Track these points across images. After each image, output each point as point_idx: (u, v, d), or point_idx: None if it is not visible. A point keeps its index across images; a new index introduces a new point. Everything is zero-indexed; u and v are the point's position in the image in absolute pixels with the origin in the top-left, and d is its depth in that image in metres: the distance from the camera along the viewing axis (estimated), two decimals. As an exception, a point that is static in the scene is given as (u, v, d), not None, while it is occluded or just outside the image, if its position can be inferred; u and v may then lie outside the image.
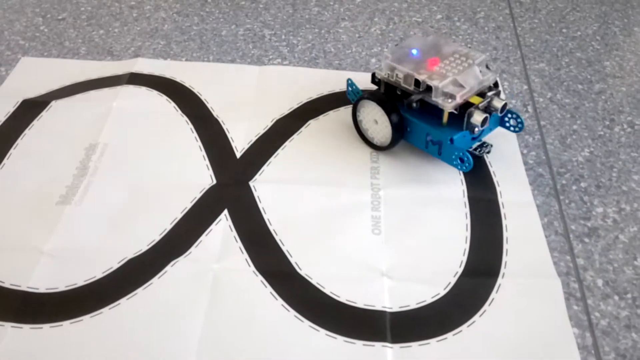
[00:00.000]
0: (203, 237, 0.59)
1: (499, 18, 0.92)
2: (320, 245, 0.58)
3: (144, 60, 0.81)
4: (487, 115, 0.60)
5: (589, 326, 0.52)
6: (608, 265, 0.57)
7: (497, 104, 0.61)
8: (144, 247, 0.58)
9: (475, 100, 0.60)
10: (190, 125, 0.71)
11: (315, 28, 0.88)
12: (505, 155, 0.68)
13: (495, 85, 0.63)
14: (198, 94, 0.76)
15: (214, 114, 0.73)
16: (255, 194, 0.63)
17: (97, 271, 0.55)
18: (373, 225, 0.60)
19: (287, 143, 0.69)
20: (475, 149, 0.66)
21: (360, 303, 0.54)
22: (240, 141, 0.69)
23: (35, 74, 0.79)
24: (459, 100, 0.59)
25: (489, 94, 0.61)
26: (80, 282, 0.54)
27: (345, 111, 0.74)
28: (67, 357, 0.49)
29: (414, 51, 0.62)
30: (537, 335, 0.52)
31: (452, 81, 0.59)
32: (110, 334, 0.51)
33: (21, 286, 0.54)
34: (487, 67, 0.62)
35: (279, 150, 0.68)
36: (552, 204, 0.63)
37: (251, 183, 0.64)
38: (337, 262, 0.57)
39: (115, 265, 0.56)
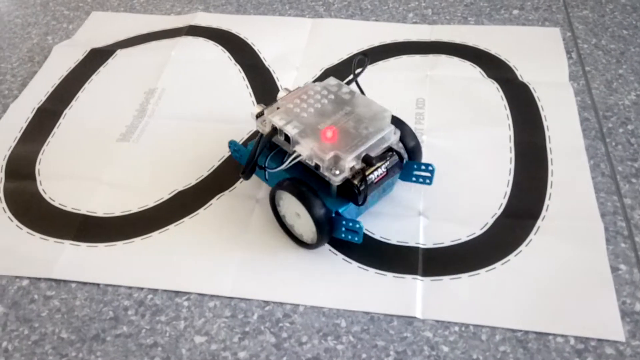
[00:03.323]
0: (248, 174, 0.61)
1: None
2: (359, 184, 0.59)
3: (203, 14, 0.84)
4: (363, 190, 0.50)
5: (637, 262, 0.51)
6: (658, 209, 0.55)
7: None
8: (193, 182, 0.61)
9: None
10: (242, 74, 0.74)
11: None
12: (558, 100, 0.66)
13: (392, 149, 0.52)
14: (252, 45, 0.78)
15: (266, 63, 0.75)
16: (300, 137, 0.65)
17: (149, 200, 0.59)
18: (413, 167, 0.61)
19: (334, 90, 0.70)
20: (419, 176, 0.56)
21: (394, 240, 0.54)
22: (290, 86, 0.71)
23: (103, 27, 0.84)
24: (344, 176, 0.49)
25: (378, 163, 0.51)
26: (135, 209, 0.59)
27: (395, 62, 0.74)
28: (118, 272, 0.53)
29: (329, 134, 0.50)
30: (573, 277, 0.50)
31: (336, 157, 0.49)
32: (158, 254, 0.54)
33: (81, 210, 0.59)
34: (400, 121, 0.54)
35: (326, 97, 0.69)
36: (599, 146, 0.61)
37: (296, 126, 0.66)
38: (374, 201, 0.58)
39: (166, 196, 0.60)
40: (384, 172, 0.51)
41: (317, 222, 0.49)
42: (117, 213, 0.58)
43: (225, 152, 0.64)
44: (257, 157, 0.51)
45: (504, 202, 0.57)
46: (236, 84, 0.73)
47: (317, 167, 0.49)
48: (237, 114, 0.68)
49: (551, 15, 0.79)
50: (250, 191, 0.59)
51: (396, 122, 0.54)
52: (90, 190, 0.60)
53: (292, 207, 0.52)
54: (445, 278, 0.51)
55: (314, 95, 0.54)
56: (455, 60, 0.73)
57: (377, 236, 0.55)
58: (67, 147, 0.66)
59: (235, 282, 0.52)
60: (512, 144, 0.62)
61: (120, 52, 0.78)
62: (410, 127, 0.56)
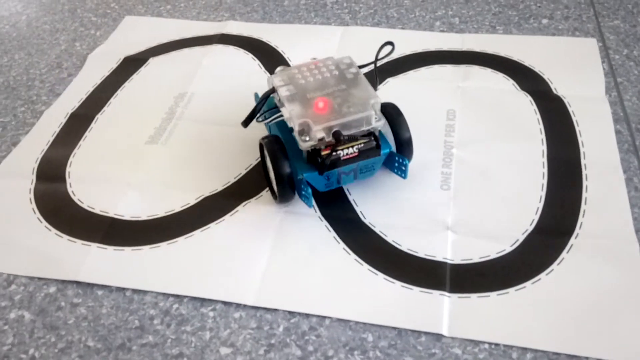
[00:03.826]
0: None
1: None
2: (386, 196, 0.59)
3: (234, 22, 0.85)
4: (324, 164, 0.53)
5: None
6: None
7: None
8: (219, 187, 0.61)
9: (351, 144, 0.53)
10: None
11: None
12: (594, 114, 0.65)
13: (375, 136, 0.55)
14: (282, 53, 0.78)
15: (295, 71, 0.75)
16: (328, 146, 0.65)
17: (175, 205, 0.60)
18: (442, 181, 0.60)
19: (363, 100, 0.70)
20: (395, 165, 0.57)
21: (421, 253, 0.54)
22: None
23: (136, 32, 0.85)
24: (312, 142, 0.52)
25: (361, 142, 0.54)
26: (161, 213, 0.59)
27: (427, 71, 0.73)
28: (144, 277, 0.53)
29: (320, 104, 0.54)
30: (607, 298, 0.49)
31: (305, 123, 0.52)
32: (184, 260, 0.54)
33: (109, 213, 0.59)
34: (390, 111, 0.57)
35: (355, 106, 0.69)
36: (631, 160, 0.59)
37: (325, 135, 0.66)
38: (402, 213, 0.57)
39: (193, 201, 0.60)
40: (355, 152, 0.54)
41: (278, 178, 0.55)
42: (144, 217, 0.59)
43: (253, 160, 0.64)
44: (258, 109, 0.58)
45: (536, 218, 0.55)
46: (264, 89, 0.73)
47: (291, 130, 0.54)
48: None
49: (581, 24, 0.78)
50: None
51: (394, 114, 0.57)
52: (118, 193, 0.61)
53: (269, 162, 0.57)
54: (473, 296, 0.50)
55: (322, 68, 0.58)
56: (488, 72, 0.72)
57: (404, 248, 0.54)
58: (97, 150, 0.66)
59: (261, 292, 0.51)
60: (545, 159, 0.61)
61: (152, 61, 0.79)
62: (406, 121, 0.57)
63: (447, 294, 0.50)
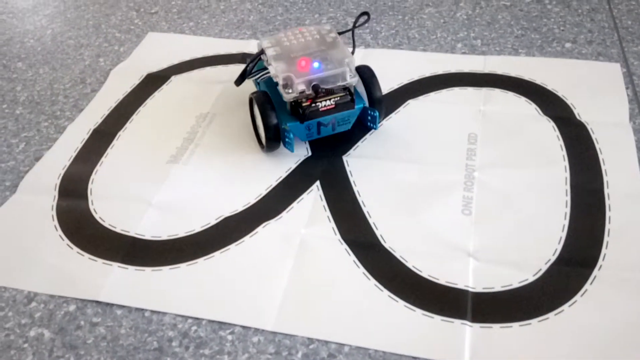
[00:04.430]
0: (294, 204, 0.61)
1: (593, 0, 0.87)
2: (407, 220, 0.58)
3: (256, 41, 0.85)
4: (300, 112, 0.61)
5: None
6: None
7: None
8: (240, 208, 0.61)
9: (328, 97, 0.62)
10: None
11: (399, 14, 0.88)
12: (617, 142, 0.64)
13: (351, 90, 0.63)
14: (302, 72, 0.79)
15: (316, 91, 0.75)
16: (348, 168, 0.65)
17: (196, 225, 0.60)
18: (464, 205, 0.59)
19: (384, 121, 0.70)
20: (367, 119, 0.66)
21: (442, 280, 0.53)
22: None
23: (158, 48, 0.86)
24: (294, 94, 0.60)
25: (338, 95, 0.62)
26: (181, 233, 0.59)
27: (448, 93, 0.73)
28: (164, 298, 0.53)
29: (316, 64, 0.61)
30: (631, 332, 0.48)
31: (288, 77, 0.60)
32: (203, 281, 0.54)
33: (130, 232, 0.59)
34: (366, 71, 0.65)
35: (375, 128, 0.69)
36: (662, 194, 0.58)
37: (344, 157, 0.66)
38: (423, 238, 0.57)
39: (213, 222, 0.60)
40: (332, 104, 0.62)
41: (266, 128, 0.63)
42: (164, 237, 0.59)
43: (273, 180, 0.64)
44: (248, 69, 0.66)
45: (559, 247, 0.55)
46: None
47: (277, 84, 0.62)
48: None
49: (605, 49, 0.77)
50: (296, 220, 0.59)
51: (368, 75, 0.65)
52: (140, 212, 0.61)
53: (258, 113, 0.65)
54: (496, 326, 0.49)
55: (305, 33, 0.65)
56: (510, 96, 0.72)
57: (425, 274, 0.54)
58: (119, 168, 0.67)
59: (280, 316, 0.51)
60: (568, 187, 0.60)
61: (174, 79, 0.80)
62: (378, 82, 0.65)
63: (468, 323, 0.50)
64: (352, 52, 0.64)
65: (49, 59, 0.87)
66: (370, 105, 0.65)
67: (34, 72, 0.84)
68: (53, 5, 1.00)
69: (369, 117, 0.66)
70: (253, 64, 0.65)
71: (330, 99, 0.62)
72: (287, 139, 0.63)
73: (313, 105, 0.61)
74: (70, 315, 0.53)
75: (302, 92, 0.60)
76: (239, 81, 0.67)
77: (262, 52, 0.64)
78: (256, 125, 0.67)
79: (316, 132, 0.64)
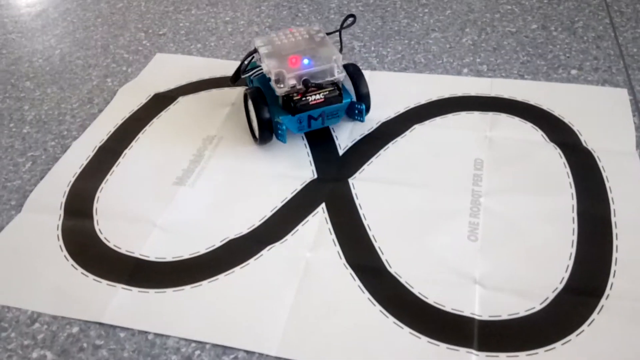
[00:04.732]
0: (300, 227, 0.61)
1: (598, 27, 0.87)
2: (413, 245, 0.58)
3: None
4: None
5: None
6: None
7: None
8: (244, 230, 0.61)
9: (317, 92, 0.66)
10: (299, 123, 0.75)
11: (405, 39, 0.88)
12: (624, 171, 0.64)
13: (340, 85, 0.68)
14: (309, 95, 0.79)
15: (323, 113, 0.76)
16: (354, 191, 0.65)
17: (200, 247, 0.60)
18: (470, 231, 0.59)
19: (390, 145, 0.70)
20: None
21: (448, 307, 0.53)
22: (344, 140, 0.71)
23: (166, 69, 0.87)
24: (285, 88, 0.65)
25: (325, 90, 0.66)
26: (186, 255, 0.59)
27: (454, 118, 0.73)
28: (167, 320, 0.53)
29: (306, 61, 0.66)
30: (641, 364, 0.47)
31: (280, 73, 0.65)
32: (207, 304, 0.54)
33: (134, 253, 0.59)
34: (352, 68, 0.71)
35: (381, 151, 0.69)
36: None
37: (350, 180, 0.66)
38: (429, 264, 0.56)
39: (217, 244, 0.60)
40: (321, 98, 0.66)
41: (259, 121, 0.67)
42: (169, 258, 0.59)
43: (278, 202, 0.64)
44: (242, 67, 0.70)
45: (566, 276, 0.54)
46: (291, 136, 0.73)
47: (269, 80, 0.66)
48: (291, 162, 0.69)
49: (611, 77, 0.77)
50: (301, 243, 0.59)
51: (355, 72, 0.71)
52: (145, 232, 0.61)
53: (252, 108, 0.69)
54: (502, 355, 0.49)
55: (295, 33, 0.70)
56: (516, 121, 0.72)
57: (430, 301, 0.53)
58: (124, 187, 0.67)
59: (284, 341, 0.51)
60: (574, 214, 0.60)
61: (182, 99, 0.80)
62: (365, 79, 0.71)
63: (474, 352, 0.49)
64: (340, 51, 0.70)
65: (57, 79, 0.87)
66: (357, 99, 0.71)
67: (42, 92, 0.85)
68: (62, 26, 1.01)
69: (356, 111, 0.71)
70: (247, 62, 0.70)
71: (319, 93, 0.66)
72: (279, 131, 0.68)
73: (304, 99, 0.65)
74: (73, 337, 0.52)
75: (293, 86, 0.64)
76: (234, 78, 0.72)
77: (255, 50, 0.69)
78: (250, 119, 0.71)
79: (307, 125, 0.68)
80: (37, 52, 0.94)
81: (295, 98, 0.65)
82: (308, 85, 0.64)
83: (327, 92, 0.66)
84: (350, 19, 0.74)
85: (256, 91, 0.68)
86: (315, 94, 0.66)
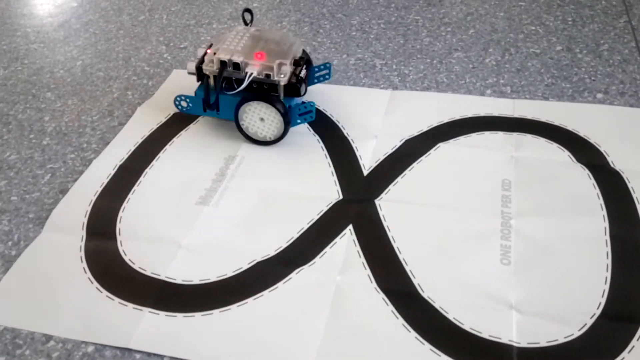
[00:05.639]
0: (327, 249, 0.60)
1: (624, 51, 0.87)
2: (444, 268, 0.57)
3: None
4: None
5: None
6: None
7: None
8: (272, 253, 0.60)
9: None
10: (321, 143, 0.74)
11: (427, 58, 0.88)
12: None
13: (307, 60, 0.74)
14: (329, 116, 0.78)
15: (344, 132, 0.75)
16: (381, 213, 0.64)
17: (228, 269, 0.58)
18: (502, 254, 0.58)
19: (414, 164, 0.69)
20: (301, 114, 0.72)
21: (485, 333, 0.52)
22: (368, 159, 0.70)
23: (184, 86, 0.86)
24: (288, 76, 0.69)
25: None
26: (213, 277, 0.58)
27: (478, 137, 0.73)
28: (196, 346, 0.52)
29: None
30: (688, 394, 0.46)
31: (281, 64, 0.69)
32: (237, 329, 0.53)
33: (160, 275, 0.58)
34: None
35: (406, 171, 0.68)
36: None
37: (377, 201, 0.65)
38: (462, 288, 0.55)
39: (245, 266, 0.59)
40: (305, 72, 0.72)
41: (283, 114, 0.69)
42: (196, 281, 0.57)
43: (305, 223, 0.63)
44: (217, 89, 0.70)
45: (602, 301, 0.53)
46: (315, 151, 0.72)
47: (267, 76, 0.68)
48: (316, 183, 0.68)
49: (637, 101, 0.77)
50: (330, 266, 0.58)
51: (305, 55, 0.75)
52: (170, 254, 0.60)
53: (256, 115, 0.71)
54: (544, 384, 0.48)
55: (234, 38, 0.72)
56: (541, 142, 0.71)
57: (466, 327, 0.52)
58: (147, 206, 0.66)
59: (318, 369, 0.49)
60: (607, 237, 0.59)
61: (202, 119, 0.79)
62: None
63: (514, 380, 0.48)
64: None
65: (78, 90, 0.86)
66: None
67: (63, 103, 0.84)
68: (84, 37, 1.00)
69: (316, 73, 0.77)
70: (220, 81, 0.70)
71: (304, 66, 0.72)
72: (303, 115, 0.72)
73: (301, 75, 0.71)
74: (88, 357, 0.51)
75: (291, 69, 0.69)
76: (216, 106, 0.73)
77: (223, 65, 0.69)
78: (249, 133, 0.73)
79: (303, 107, 0.71)
80: (58, 63, 0.93)
81: (295, 79, 0.70)
82: (300, 63, 0.71)
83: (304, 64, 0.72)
84: (247, 14, 0.76)
85: (258, 94, 0.69)
86: (302, 69, 0.72)
